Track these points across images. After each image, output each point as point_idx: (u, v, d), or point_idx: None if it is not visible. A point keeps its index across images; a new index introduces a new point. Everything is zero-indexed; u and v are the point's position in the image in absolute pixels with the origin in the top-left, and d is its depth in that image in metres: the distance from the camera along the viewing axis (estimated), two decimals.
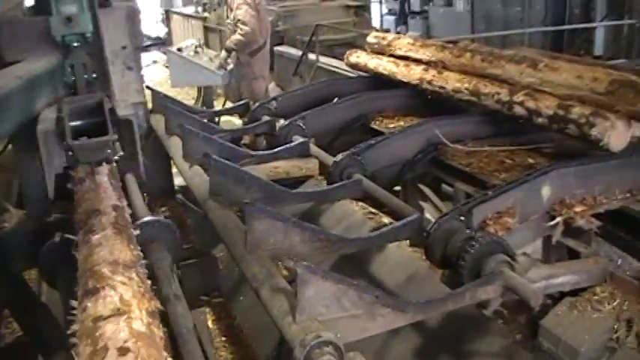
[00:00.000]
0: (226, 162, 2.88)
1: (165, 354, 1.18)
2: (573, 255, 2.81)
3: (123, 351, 1.16)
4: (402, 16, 16.47)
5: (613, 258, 3.19)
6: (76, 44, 1.80)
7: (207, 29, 10.98)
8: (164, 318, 2.07)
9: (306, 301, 1.82)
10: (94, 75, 1.81)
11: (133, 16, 1.82)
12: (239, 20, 7.26)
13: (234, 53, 7.56)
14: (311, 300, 1.82)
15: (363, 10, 13.39)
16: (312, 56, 9.47)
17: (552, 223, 2.75)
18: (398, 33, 14.89)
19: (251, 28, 7.31)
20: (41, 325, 3.37)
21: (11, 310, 3.63)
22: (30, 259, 3.50)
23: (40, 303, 3.00)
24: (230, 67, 7.58)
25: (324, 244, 2.40)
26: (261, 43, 7.69)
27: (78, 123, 1.68)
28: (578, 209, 2.76)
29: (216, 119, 5.77)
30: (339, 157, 3.35)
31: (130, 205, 3.07)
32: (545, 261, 2.85)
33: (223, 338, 3.54)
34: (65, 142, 1.59)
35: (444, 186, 3.82)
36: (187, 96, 11.07)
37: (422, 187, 4.03)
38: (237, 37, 7.32)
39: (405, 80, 4.37)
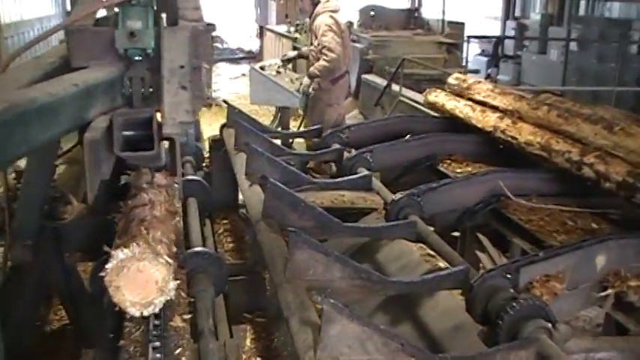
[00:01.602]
0: (282, 187, 2.90)
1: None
2: (621, 331, 2.71)
3: None
4: (495, 59, 16.29)
5: None
6: (137, 58, 1.86)
7: (296, 50, 11.14)
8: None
9: (329, 339, 1.82)
10: (151, 89, 1.86)
11: (196, 37, 1.87)
12: (324, 47, 7.23)
13: (316, 79, 7.55)
14: (334, 339, 1.82)
15: (455, 48, 13.32)
16: (396, 88, 9.47)
17: (603, 294, 2.66)
18: (488, 75, 14.81)
19: (337, 55, 7.27)
20: (86, 317, 3.48)
21: (61, 298, 3.77)
22: (85, 252, 3.63)
23: (89, 296, 3.08)
24: (311, 92, 7.59)
25: (364, 282, 2.39)
26: (343, 71, 7.66)
27: (128, 134, 1.73)
28: (632, 283, 2.65)
29: (290, 141, 5.83)
30: (398, 195, 3.33)
31: (185, 228, 3.17)
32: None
33: (259, 358, 3.55)
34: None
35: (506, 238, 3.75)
36: (269, 113, 11.23)
37: (481, 236, 3.97)
38: (322, 63, 7.30)
39: (479, 126, 4.33)
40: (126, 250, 1.80)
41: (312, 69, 7.53)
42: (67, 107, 1.55)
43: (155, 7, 1.99)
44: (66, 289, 3.59)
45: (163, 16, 2.07)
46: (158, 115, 1.78)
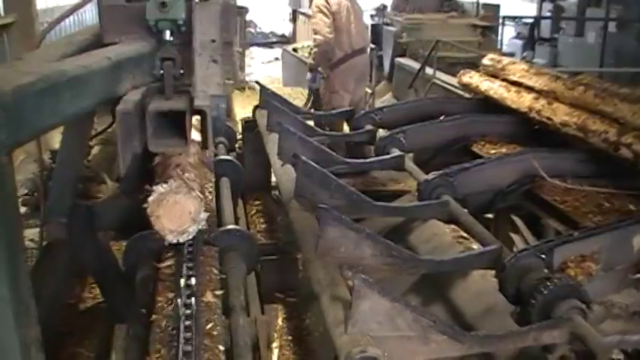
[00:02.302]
0: (314, 165, 2.89)
1: None
2: None
3: None
4: (531, 42, 16.08)
5: None
6: (168, 32, 1.86)
7: None
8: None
9: (359, 314, 1.81)
10: (182, 71, 1.87)
11: (227, 12, 1.86)
12: (313, 30, 6.92)
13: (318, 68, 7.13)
14: (364, 314, 1.81)
15: (490, 30, 13.17)
16: (429, 71, 9.40)
17: (639, 275, 2.62)
18: (524, 58, 14.63)
19: (323, 37, 6.84)
20: (120, 296, 3.51)
21: (94, 276, 3.81)
22: (118, 231, 3.66)
23: (122, 275, 3.12)
24: (320, 84, 7.21)
25: (395, 260, 2.37)
26: (342, 54, 7.13)
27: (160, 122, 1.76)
28: None
29: (322, 122, 5.81)
30: (431, 175, 3.30)
31: (217, 208, 3.20)
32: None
33: (290, 337, 3.56)
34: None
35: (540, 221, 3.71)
36: (302, 96, 11.23)
37: (515, 218, 3.93)
38: (313, 49, 6.98)
39: (513, 106, 4.27)
40: (165, 185, 2.02)
41: (309, 60, 7.18)
42: (99, 80, 1.56)
43: None
44: (99, 268, 3.62)
45: None
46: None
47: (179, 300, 2.18)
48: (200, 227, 2.23)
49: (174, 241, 2.17)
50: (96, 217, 3.57)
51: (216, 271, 2.51)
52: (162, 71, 1.85)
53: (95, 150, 4.92)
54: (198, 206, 2.12)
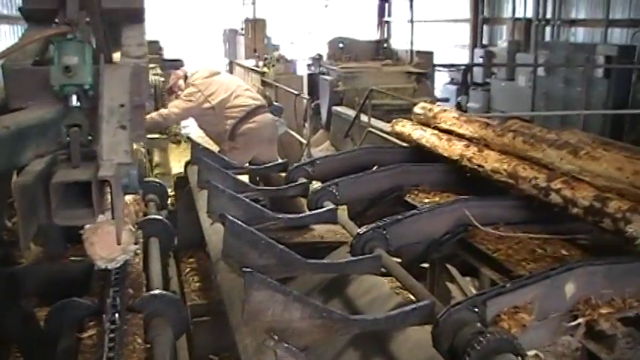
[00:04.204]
0: (241, 224, 2.81)
1: None
2: None
3: None
4: (464, 87, 16.43)
5: None
6: (74, 98, 1.77)
7: (264, 83, 11.14)
8: None
9: None
10: (90, 137, 1.78)
11: (138, 74, 1.79)
12: None
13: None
14: None
15: (424, 77, 13.39)
16: (365, 119, 9.46)
17: (573, 323, 2.59)
18: (458, 103, 14.92)
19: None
20: None
21: (18, 344, 3.64)
22: (42, 297, 3.51)
23: (47, 341, 2.97)
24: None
25: (325, 322, 2.29)
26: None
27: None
28: (603, 311, 2.59)
29: (257, 178, 5.76)
30: (363, 229, 3.25)
31: (146, 269, 3.09)
32: None
33: None
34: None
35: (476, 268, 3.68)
36: None
37: (450, 267, 3.90)
38: None
39: (445, 155, 4.28)
40: (102, 216, 1.94)
41: None
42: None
43: (94, 45, 1.91)
44: (23, 335, 3.47)
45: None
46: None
47: None
48: (128, 257, 2.39)
49: (103, 267, 2.29)
50: (18, 282, 3.43)
51: (140, 341, 2.41)
52: (68, 139, 1.75)
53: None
54: (129, 239, 2.25)
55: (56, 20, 2.01)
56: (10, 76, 1.91)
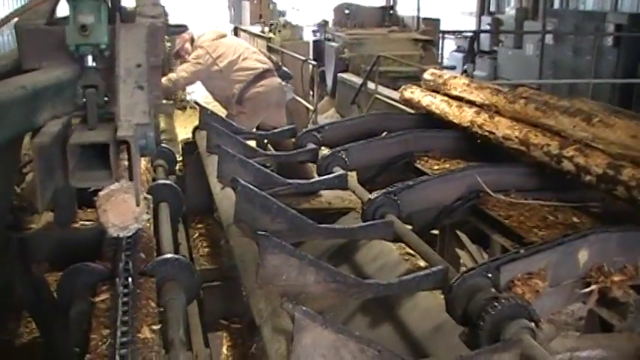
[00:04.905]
0: (254, 189, 2.80)
1: None
2: (606, 327, 2.63)
3: None
4: (471, 55, 16.29)
5: None
6: (90, 57, 1.75)
7: (270, 49, 11.06)
8: None
9: (301, 348, 1.72)
10: (106, 98, 1.75)
11: (155, 34, 1.76)
12: None
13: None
14: (307, 348, 1.72)
15: (431, 44, 13.29)
16: (372, 86, 9.40)
17: (586, 290, 2.58)
18: (465, 71, 14.81)
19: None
20: (56, 331, 3.36)
21: (30, 310, 3.65)
22: (53, 263, 3.51)
23: (58, 308, 2.98)
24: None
25: (339, 286, 2.29)
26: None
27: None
28: (616, 278, 2.58)
29: (265, 141, 5.72)
30: (374, 194, 3.23)
31: (156, 233, 3.08)
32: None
33: None
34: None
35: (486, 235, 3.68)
36: None
37: (460, 234, 3.89)
38: None
39: (456, 121, 4.25)
40: (116, 183, 2.01)
41: None
42: (13, 111, 1.45)
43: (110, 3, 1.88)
44: (34, 302, 3.47)
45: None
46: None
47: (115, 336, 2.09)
48: (140, 226, 2.30)
49: (115, 235, 2.22)
50: (28, 248, 3.43)
51: (153, 304, 2.41)
52: (84, 100, 1.73)
53: (30, 177, 4.73)
54: (143, 208, 2.19)
55: None
56: (24, 36, 1.88)
